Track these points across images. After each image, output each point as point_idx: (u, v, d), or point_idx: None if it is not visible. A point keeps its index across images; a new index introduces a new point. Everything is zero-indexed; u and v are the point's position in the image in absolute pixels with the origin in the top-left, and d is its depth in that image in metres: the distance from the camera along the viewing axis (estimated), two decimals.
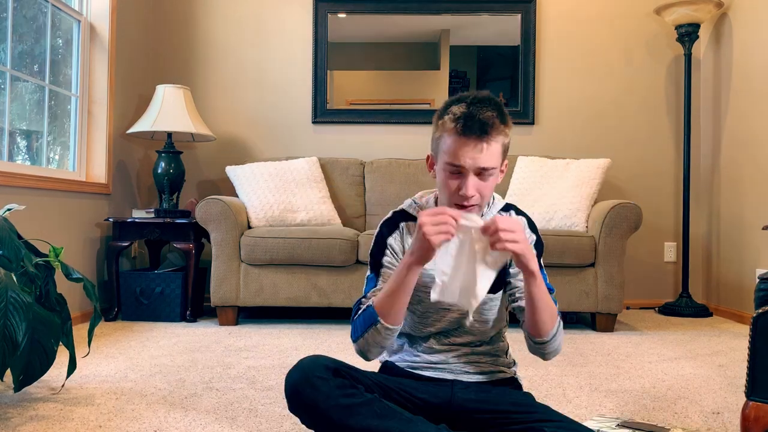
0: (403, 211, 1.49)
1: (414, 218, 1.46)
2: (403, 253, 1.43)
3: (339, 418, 1.27)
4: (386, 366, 1.53)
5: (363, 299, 1.42)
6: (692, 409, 1.89)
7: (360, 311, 1.39)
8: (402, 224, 1.47)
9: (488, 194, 1.37)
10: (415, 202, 1.49)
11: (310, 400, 1.29)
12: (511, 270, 1.44)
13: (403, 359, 1.49)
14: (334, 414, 1.27)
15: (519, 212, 1.52)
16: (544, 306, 1.33)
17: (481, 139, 1.30)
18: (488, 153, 1.31)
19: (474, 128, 1.29)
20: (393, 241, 1.46)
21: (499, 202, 1.50)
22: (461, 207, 1.33)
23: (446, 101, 1.39)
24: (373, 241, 1.48)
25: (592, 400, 1.96)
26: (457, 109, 1.32)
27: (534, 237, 1.48)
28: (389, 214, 1.50)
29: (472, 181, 1.32)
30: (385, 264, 1.44)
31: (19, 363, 1.66)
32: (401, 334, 1.51)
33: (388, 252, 1.45)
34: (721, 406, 1.92)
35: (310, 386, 1.30)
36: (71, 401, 1.90)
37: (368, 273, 1.47)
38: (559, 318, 1.39)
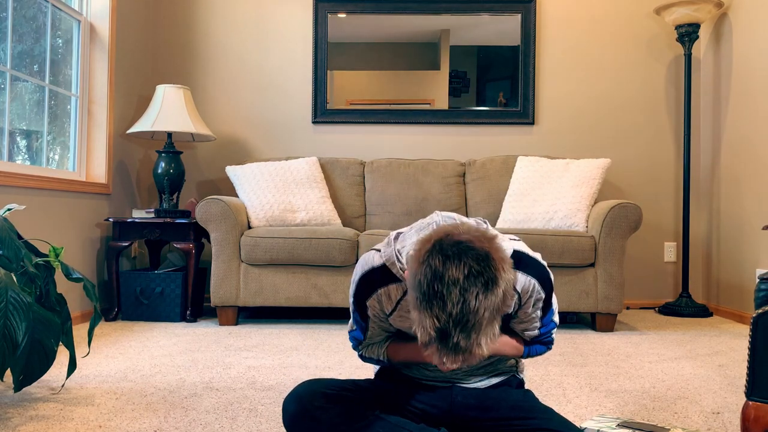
0: (383, 268, 1.30)
1: (395, 278, 1.30)
2: (383, 312, 1.35)
3: None
4: (386, 369, 1.52)
5: (363, 342, 1.43)
6: (692, 409, 1.89)
7: (372, 358, 1.46)
8: (380, 291, 1.31)
9: None
10: (398, 260, 1.29)
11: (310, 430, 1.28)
12: (513, 319, 1.42)
13: (402, 366, 1.48)
14: None
15: (528, 268, 1.31)
16: (503, 353, 1.41)
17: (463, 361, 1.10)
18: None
19: (449, 356, 1.07)
20: (371, 302, 1.34)
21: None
22: None
23: (431, 269, 1.06)
24: (352, 293, 1.37)
25: (592, 400, 1.96)
26: (431, 324, 1.05)
27: (543, 296, 1.33)
28: (368, 267, 1.33)
29: None
30: (371, 317, 1.37)
31: (19, 363, 1.66)
32: None
33: (368, 311, 1.36)
34: (721, 406, 1.92)
35: (309, 418, 1.28)
36: (71, 401, 1.90)
37: (352, 308, 1.39)
38: (526, 356, 1.45)
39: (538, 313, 1.38)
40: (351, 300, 1.38)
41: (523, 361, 1.58)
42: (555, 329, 1.44)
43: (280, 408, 1.84)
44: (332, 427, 1.27)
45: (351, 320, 1.43)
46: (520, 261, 1.29)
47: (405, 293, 1.30)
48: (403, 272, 1.27)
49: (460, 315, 1.03)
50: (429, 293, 1.04)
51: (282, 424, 1.70)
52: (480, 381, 1.44)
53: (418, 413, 1.39)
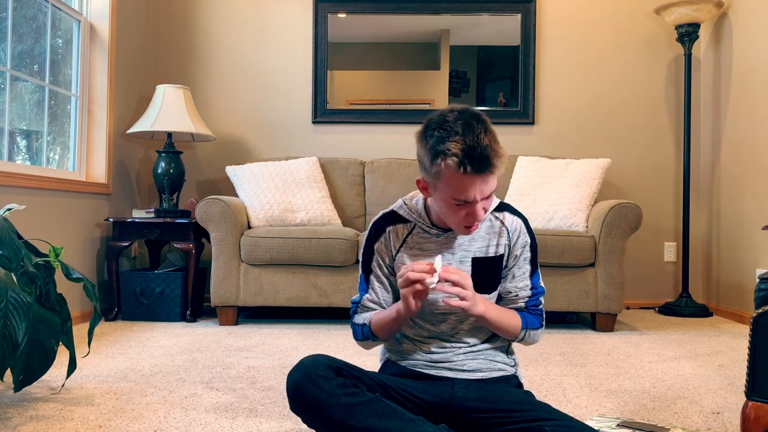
0: (392, 212, 1.51)
1: (402, 220, 1.49)
2: (389, 256, 1.50)
3: (341, 417, 1.27)
4: (387, 365, 1.53)
5: (359, 305, 1.55)
6: (692, 409, 1.89)
7: (359, 324, 1.53)
8: (388, 229, 1.49)
9: (490, 204, 1.40)
10: (405, 203, 1.50)
11: (312, 399, 1.29)
12: (503, 273, 1.50)
13: (404, 358, 1.49)
14: (335, 413, 1.27)
15: (514, 212, 1.50)
16: (499, 329, 1.46)
17: (488, 173, 1.29)
18: (493, 179, 1.32)
19: (479, 167, 1.27)
20: (379, 245, 1.50)
21: (493, 202, 1.48)
22: (468, 227, 1.37)
23: (432, 129, 1.32)
24: (364, 241, 1.53)
25: (592, 400, 1.96)
26: (455, 147, 1.27)
27: (528, 240, 1.49)
28: (379, 215, 1.53)
29: (480, 207, 1.34)
30: (373, 269, 1.52)
31: (19, 363, 1.66)
32: (404, 334, 1.52)
33: (375, 257, 1.51)
34: (721, 406, 1.92)
35: (312, 385, 1.30)
36: (71, 401, 1.90)
37: (360, 271, 1.55)
38: (524, 332, 1.48)
39: (528, 267, 1.49)
40: (361, 259, 1.54)
41: (520, 364, 1.59)
42: (543, 297, 1.53)
43: (280, 408, 1.84)
44: (333, 397, 1.28)
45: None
46: (506, 206, 1.51)
47: (411, 231, 1.48)
48: (411, 211, 1.48)
49: (471, 133, 1.27)
50: (441, 135, 1.29)
51: (281, 424, 1.70)
52: (480, 372, 1.45)
53: (419, 403, 1.40)
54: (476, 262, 1.45)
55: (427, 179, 1.36)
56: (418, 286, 1.31)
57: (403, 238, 1.48)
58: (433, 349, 1.47)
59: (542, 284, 1.53)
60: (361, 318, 1.52)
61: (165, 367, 2.33)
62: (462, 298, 1.33)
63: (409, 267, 1.33)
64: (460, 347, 1.47)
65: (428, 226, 1.46)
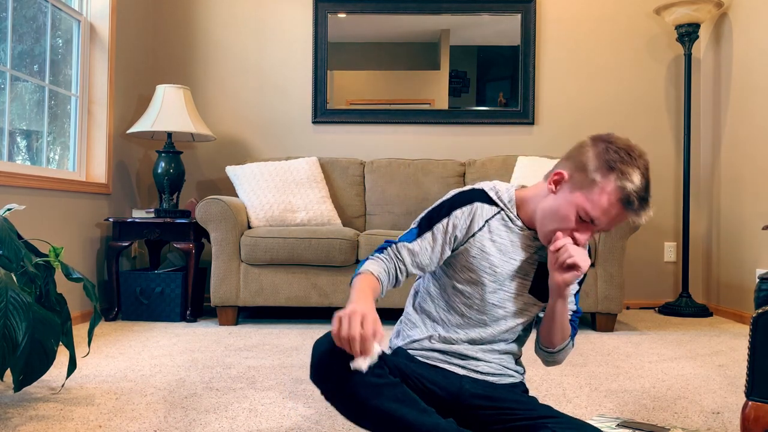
0: (483, 191, 1.43)
1: (490, 201, 1.42)
2: (463, 231, 1.39)
3: (364, 396, 1.24)
4: (397, 352, 1.51)
5: (391, 246, 1.40)
6: (692, 409, 1.89)
7: (361, 267, 1.34)
8: (477, 204, 1.41)
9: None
10: (495, 186, 1.44)
11: (338, 373, 1.25)
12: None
13: (422, 345, 1.45)
14: (360, 390, 1.24)
15: None
16: (560, 326, 1.45)
17: (638, 215, 1.32)
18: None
19: (640, 208, 1.30)
20: (461, 213, 1.40)
21: None
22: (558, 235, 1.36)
23: (617, 146, 1.32)
24: (438, 202, 1.43)
25: (592, 400, 1.96)
26: (638, 179, 1.29)
27: (589, 261, 1.49)
28: (467, 188, 1.44)
29: (589, 236, 1.36)
30: (436, 230, 1.39)
31: (19, 363, 1.66)
32: (430, 319, 1.46)
33: (446, 221, 1.39)
34: (721, 406, 1.92)
35: (340, 356, 1.23)
36: (71, 401, 1.90)
37: (414, 224, 1.43)
38: (570, 341, 1.50)
39: (576, 285, 1.51)
40: (424, 214, 1.42)
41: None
42: (579, 317, 1.54)
43: (280, 408, 1.84)
44: (360, 374, 1.23)
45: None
46: None
47: (496, 215, 1.41)
48: (499, 197, 1.42)
49: (647, 176, 1.31)
50: (626, 158, 1.30)
51: (281, 424, 1.70)
52: (492, 376, 1.44)
53: (426, 392, 1.38)
54: (543, 267, 1.43)
55: (575, 177, 1.33)
56: (352, 343, 1.15)
57: (486, 219, 1.41)
58: (456, 341, 1.43)
59: (579, 306, 1.53)
60: (369, 264, 1.35)
61: (165, 367, 2.33)
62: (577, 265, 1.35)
63: (348, 319, 1.15)
64: (481, 346, 1.44)
65: (515, 216, 1.41)
